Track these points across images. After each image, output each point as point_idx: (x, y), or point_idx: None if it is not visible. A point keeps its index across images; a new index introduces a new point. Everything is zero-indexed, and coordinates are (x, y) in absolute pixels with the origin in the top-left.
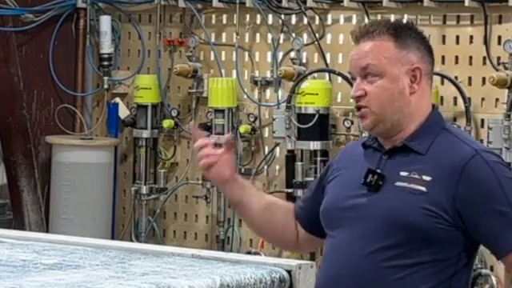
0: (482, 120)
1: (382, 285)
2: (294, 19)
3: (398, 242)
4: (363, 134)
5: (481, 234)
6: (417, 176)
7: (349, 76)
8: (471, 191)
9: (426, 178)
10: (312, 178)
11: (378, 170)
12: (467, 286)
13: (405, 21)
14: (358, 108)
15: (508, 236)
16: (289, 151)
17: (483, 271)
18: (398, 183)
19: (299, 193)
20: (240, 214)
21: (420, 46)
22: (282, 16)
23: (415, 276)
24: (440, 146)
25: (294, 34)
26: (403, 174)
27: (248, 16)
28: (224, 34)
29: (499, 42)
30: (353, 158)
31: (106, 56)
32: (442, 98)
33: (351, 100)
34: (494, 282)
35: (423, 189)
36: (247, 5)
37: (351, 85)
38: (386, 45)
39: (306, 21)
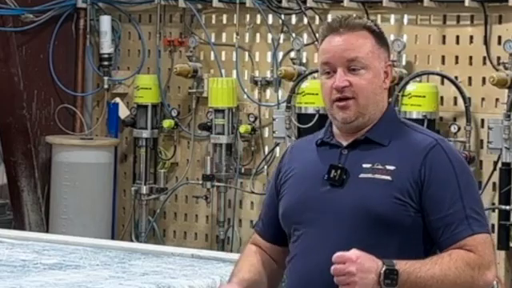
0: (482, 120)
1: None
2: (293, 19)
3: (369, 234)
4: None
5: (430, 220)
6: (380, 166)
7: (322, 68)
8: (432, 177)
9: (390, 167)
10: None
11: (341, 165)
12: None
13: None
14: (341, 99)
15: (453, 227)
16: None
17: None
18: (362, 175)
19: None
20: None
21: (387, 47)
22: (282, 16)
23: None
24: (400, 137)
25: (294, 34)
26: (366, 165)
27: (248, 16)
28: (224, 34)
29: (499, 42)
30: (306, 156)
31: (106, 56)
32: (442, 97)
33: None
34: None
35: (388, 178)
36: (247, 5)
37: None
38: (369, 40)
39: (305, 21)
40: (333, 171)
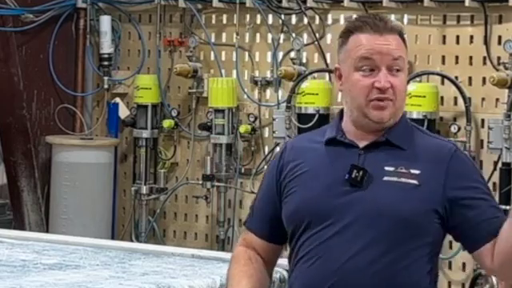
0: (482, 120)
1: (380, 282)
2: (294, 19)
3: (391, 237)
4: None
5: (469, 218)
6: (404, 170)
7: (359, 64)
8: (459, 180)
9: (415, 171)
10: None
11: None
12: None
13: None
14: (380, 99)
15: (491, 223)
16: None
17: (483, 271)
18: (386, 178)
19: None
20: None
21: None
22: (282, 16)
23: (411, 268)
24: (418, 142)
25: (294, 34)
26: (389, 168)
27: (248, 16)
28: (224, 34)
29: (499, 42)
30: (312, 154)
31: (106, 56)
32: (442, 97)
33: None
34: (494, 282)
35: (415, 182)
36: (247, 5)
37: None
38: (402, 43)
39: (305, 21)
40: (354, 171)
